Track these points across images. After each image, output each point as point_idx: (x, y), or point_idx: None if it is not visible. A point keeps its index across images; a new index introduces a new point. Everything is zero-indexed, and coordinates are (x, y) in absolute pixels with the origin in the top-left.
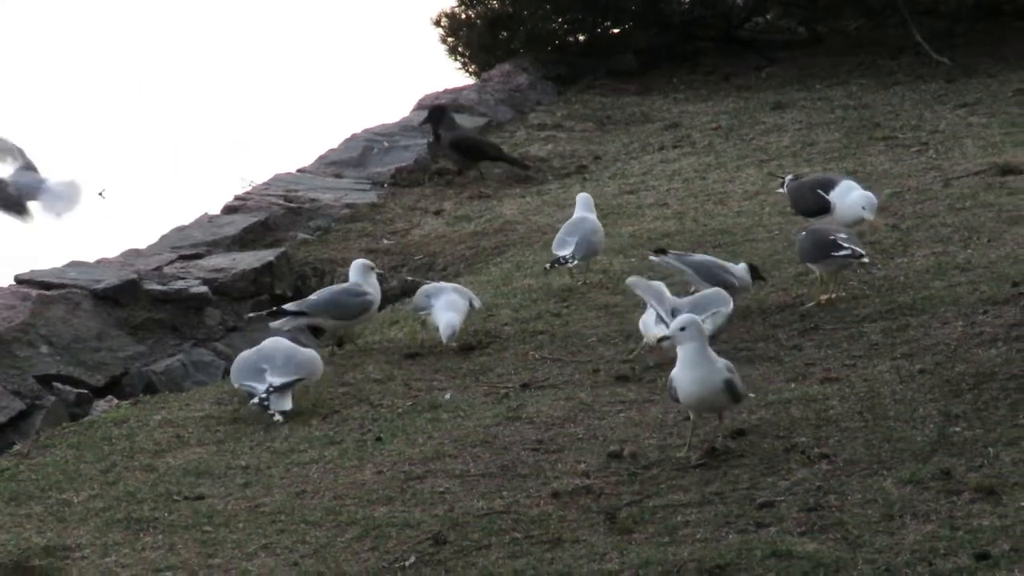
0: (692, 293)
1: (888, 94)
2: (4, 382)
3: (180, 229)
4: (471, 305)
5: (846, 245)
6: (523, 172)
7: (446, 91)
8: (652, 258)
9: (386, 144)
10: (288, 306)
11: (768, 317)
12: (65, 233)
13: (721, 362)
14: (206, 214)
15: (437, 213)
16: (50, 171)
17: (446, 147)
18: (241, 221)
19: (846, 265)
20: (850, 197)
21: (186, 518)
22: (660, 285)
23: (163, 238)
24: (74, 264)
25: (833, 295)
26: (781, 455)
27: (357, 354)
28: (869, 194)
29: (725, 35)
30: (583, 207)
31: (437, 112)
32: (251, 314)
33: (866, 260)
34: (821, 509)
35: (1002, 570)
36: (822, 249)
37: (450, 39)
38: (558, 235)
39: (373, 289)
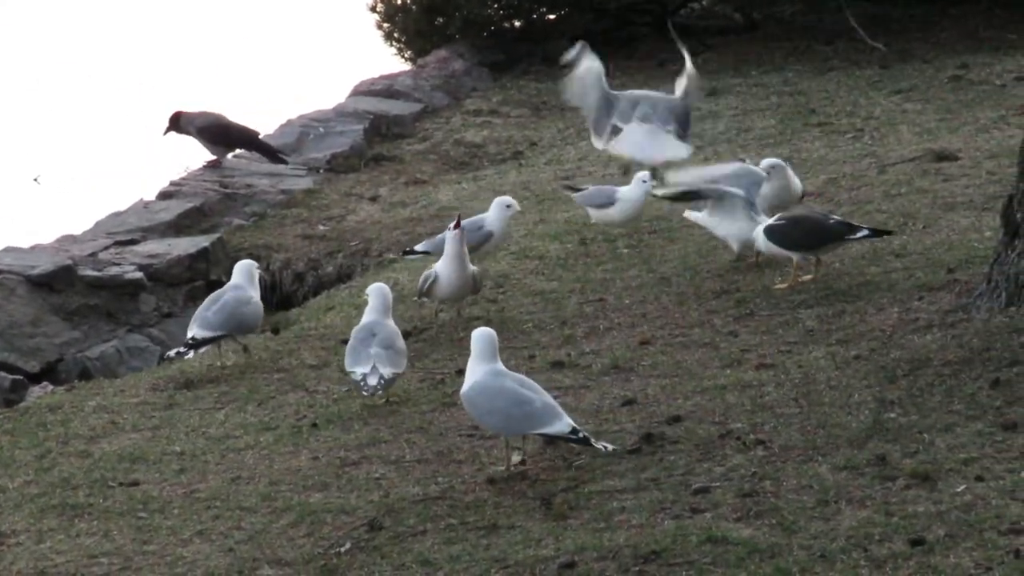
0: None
1: (823, 80)
2: None
3: (115, 215)
4: None
5: (863, 225)
6: (277, 163)
7: (382, 77)
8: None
9: (322, 130)
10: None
11: (704, 303)
12: None
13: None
14: (141, 200)
15: (373, 199)
16: None
17: (196, 136)
18: (176, 207)
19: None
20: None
21: (121, 504)
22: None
23: (98, 224)
24: (9, 250)
25: (816, 275)
26: (716, 441)
27: (293, 340)
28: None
29: (661, 21)
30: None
31: (173, 120)
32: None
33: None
34: (756, 495)
35: (937, 555)
36: (826, 233)
37: (386, 25)
38: None
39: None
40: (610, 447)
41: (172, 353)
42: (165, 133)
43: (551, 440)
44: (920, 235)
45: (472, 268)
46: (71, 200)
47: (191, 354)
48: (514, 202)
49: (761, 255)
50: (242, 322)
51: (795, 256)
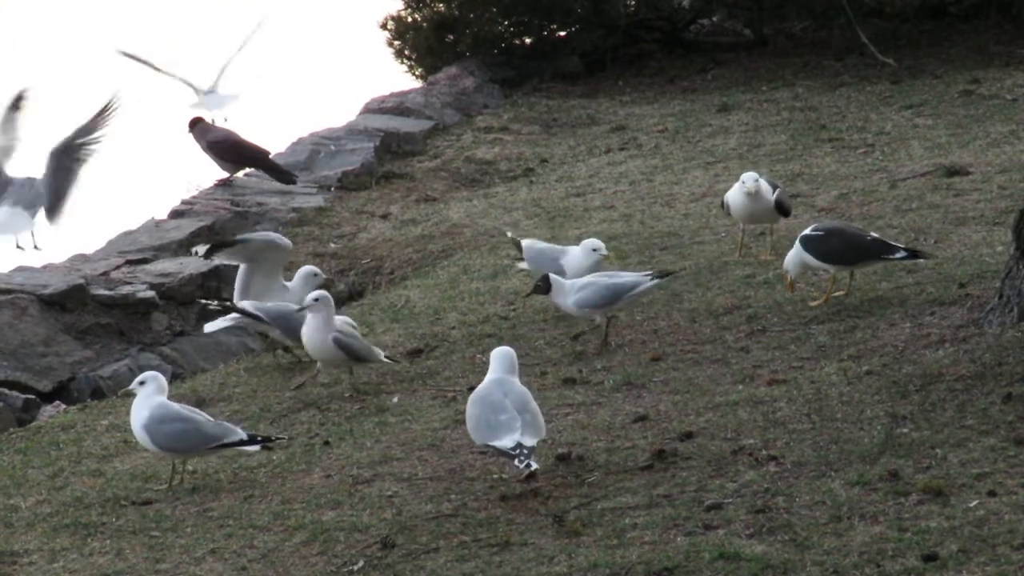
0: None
1: (834, 96)
2: None
3: (127, 234)
4: None
5: (901, 247)
6: (285, 184)
7: (392, 94)
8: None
9: (333, 148)
10: None
11: (716, 319)
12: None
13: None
14: (153, 219)
15: (384, 217)
16: None
17: (205, 150)
18: (188, 225)
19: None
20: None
21: (134, 523)
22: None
23: (110, 243)
24: (21, 269)
25: (845, 290)
26: (729, 457)
27: (304, 358)
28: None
29: (670, 37)
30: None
31: (191, 124)
32: None
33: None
34: (769, 511)
35: (950, 571)
36: (864, 251)
37: (397, 42)
38: None
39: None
40: (534, 465)
41: (215, 303)
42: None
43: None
44: (931, 250)
45: (334, 334)
46: (82, 219)
47: (219, 319)
48: (601, 245)
49: None
50: (288, 326)
51: (831, 269)
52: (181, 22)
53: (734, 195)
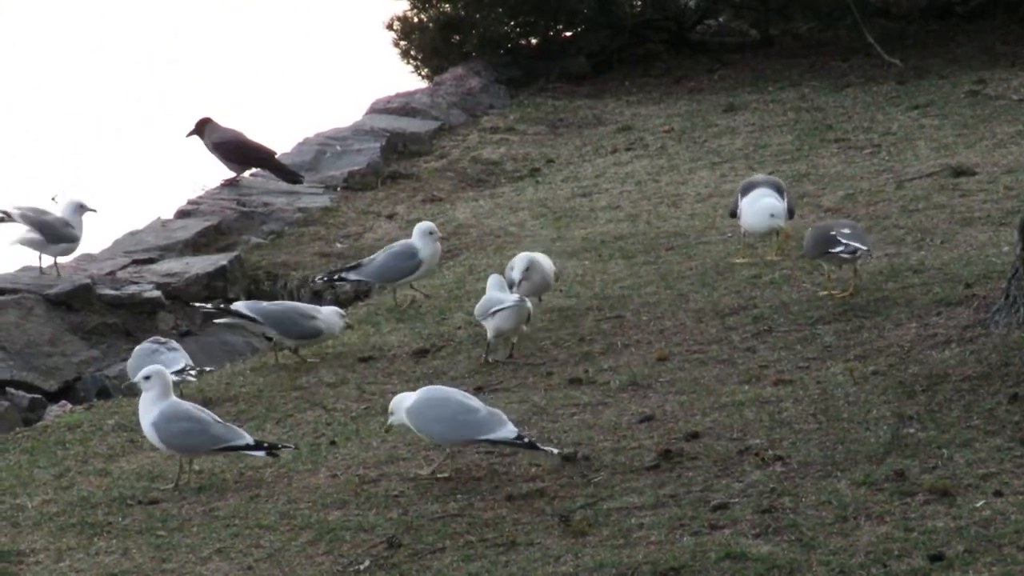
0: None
1: (840, 96)
2: None
3: (133, 234)
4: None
5: (843, 241)
6: (292, 183)
7: (398, 95)
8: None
9: (339, 148)
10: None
11: (722, 319)
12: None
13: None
14: (159, 218)
15: (390, 217)
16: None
17: (212, 151)
18: (194, 225)
19: (844, 260)
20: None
21: (140, 523)
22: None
23: (116, 243)
24: (27, 269)
25: (850, 290)
26: (735, 457)
27: (310, 358)
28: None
29: (677, 38)
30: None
31: (199, 125)
32: None
33: (860, 255)
34: (775, 511)
35: (956, 571)
36: (820, 245)
37: (403, 42)
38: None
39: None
40: (555, 451)
41: (210, 306)
42: (188, 135)
43: (496, 445)
44: (938, 250)
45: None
46: (89, 219)
47: (217, 315)
48: (512, 265)
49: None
50: (286, 326)
51: (824, 263)
52: (181, 22)
53: (753, 217)
